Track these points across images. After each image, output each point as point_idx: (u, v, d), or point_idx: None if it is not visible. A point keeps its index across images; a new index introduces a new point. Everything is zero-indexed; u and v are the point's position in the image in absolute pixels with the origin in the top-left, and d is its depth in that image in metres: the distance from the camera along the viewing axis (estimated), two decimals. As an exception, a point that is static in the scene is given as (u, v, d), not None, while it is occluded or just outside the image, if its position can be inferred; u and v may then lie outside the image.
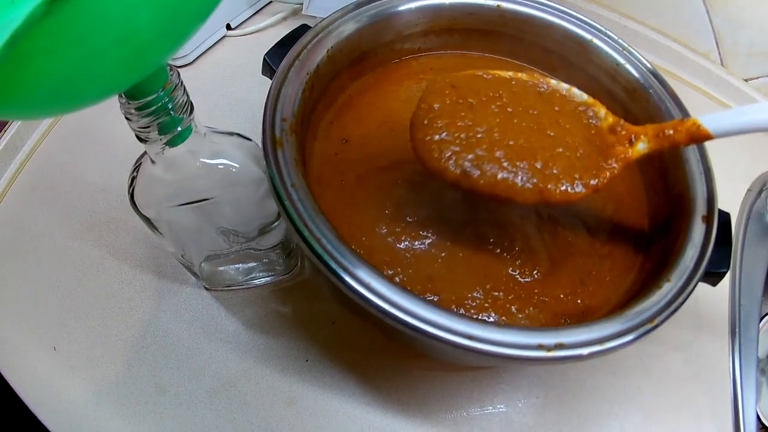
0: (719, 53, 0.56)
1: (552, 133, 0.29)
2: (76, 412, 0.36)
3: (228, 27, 0.58)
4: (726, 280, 0.31)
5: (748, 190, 0.50)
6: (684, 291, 0.28)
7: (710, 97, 0.58)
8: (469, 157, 0.28)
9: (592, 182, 0.28)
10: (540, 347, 0.24)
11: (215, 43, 0.57)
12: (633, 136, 0.29)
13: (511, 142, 0.28)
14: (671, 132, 0.29)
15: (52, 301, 0.40)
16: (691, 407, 0.39)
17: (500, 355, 0.23)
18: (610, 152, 0.29)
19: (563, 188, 0.27)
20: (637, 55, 0.38)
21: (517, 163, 0.28)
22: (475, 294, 0.30)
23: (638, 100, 0.37)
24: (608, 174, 0.28)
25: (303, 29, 0.35)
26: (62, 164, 0.48)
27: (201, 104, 0.52)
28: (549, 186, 0.27)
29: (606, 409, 0.38)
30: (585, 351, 0.24)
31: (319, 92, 0.34)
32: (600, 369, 0.39)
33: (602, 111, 0.30)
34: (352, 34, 0.35)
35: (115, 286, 0.41)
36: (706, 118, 0.28)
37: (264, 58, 0.35)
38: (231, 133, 0.31)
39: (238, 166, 0.30)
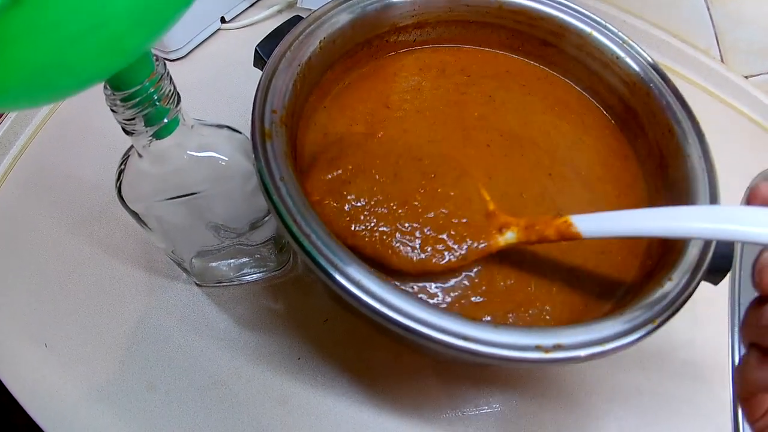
0: (719, 50, 0.56)
1: (444, 211, 0.30)
2: (68, 410, 0.36)
3: (222, 20, 0.57)
4: (726, 278, 0.31)
5: (749, 187, 0.49)
6: (686, 290, 0.27)
7: (710, 94, 0.57)
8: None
9: (454, 256, 0.29)
10: (537, 348, 0.23)
11: (209, 37, 0.56)
12: (503, 225, 0.29)
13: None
14: (541, 227, 0.29)
15: (44, 296, 0.40)
16: (690, 407, 0.38)
17: (495, 356, 0.23)
18: (482, 235, 0.29)
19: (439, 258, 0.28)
20: (637, 48, 0.37)
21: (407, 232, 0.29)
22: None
23: (638, 94, 0.37)
24: (473, 255, 0.29)
25: (296, 20, 0.34)
26: (55, 159, 0.48)
27: (195, 98, 0.52)
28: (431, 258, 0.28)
29: (604, 409, 0.37)
30: (584, 352, 0.24)
31: (311, 84, 0.34)
32: (598, 368, 0.39)
33: (486, 196, 0.31)
34: (345, 24, 0.34)
35: (106, 282, 0.41)
36: (579, 218, 0.28)
37: (255, 49, 0.34)
38: (221, 126, 0.31)
39: (227, 159, 0.29)
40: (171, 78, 0.25)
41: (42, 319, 0.39)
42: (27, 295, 0.40)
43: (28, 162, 0.48)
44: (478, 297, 0.30)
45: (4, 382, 0.37)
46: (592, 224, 0.27)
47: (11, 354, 0.38)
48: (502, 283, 0.30)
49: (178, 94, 0.26)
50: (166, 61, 0.54)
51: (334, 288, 0.24)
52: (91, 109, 0.49)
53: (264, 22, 0.58)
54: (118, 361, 0.37)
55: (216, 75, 0.53)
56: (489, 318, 0.29)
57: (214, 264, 0.38)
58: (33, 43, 0.15)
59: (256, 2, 0.60)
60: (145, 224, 0.32)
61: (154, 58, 0.24)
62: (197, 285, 0.40)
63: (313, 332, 0.39)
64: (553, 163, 0.36)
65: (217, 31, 0.57)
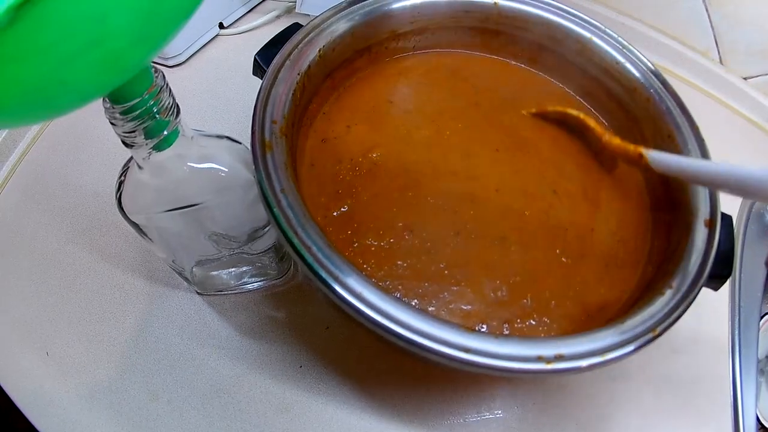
0: (718, 51, 0.55)
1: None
2: (70, 419, 0.35)
3: (221, 26, 0.57)
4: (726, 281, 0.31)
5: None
6: (687, 298, 0.27)
7: (709, 96, 0.57)
8: None
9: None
10: (539, 359, 0.23)
11: (208, 42, 0.56)
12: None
13: None
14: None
15: (45, 305, 0.40)
16: (691, 410, 0.38)
17: (497, 368, 0.23)
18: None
19: None
20: (638, 54, 0.37)
21: None
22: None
23: (639, 100, 0.37)
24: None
25: (295, 28, 0.34)
26: (55, 167, 0.47)
27: (193, 105, 0.51)
28: None
29: (605, 414, 0.37)
30: (585, 363, 0.23)
31: (311, 93, 0.34)
32: (599, 374, 0.39)
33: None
34: (344, 32, 0.34)
35: (107, 291, 0.41)
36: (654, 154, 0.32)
37: (254, 57, 0.34)
38: (220, 136, 0.31)
39: (227, 170, 0.29)
40: (170, 90, 0.25)
41: (43, 328, 0.39)
42: (28, 304, 0.40)
43: (27, 169, 0.47)
44: (467, 305, 0.30)
45: (6, 389, 0.37)
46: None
47: (13, 362, 0.38)
48: (492, 294, 0.30)
49: (178, 105, 0.26)
50: (166, 68, 0.54)
51: (335, 300, 0.24)
52: (90, 115, 0.48)
53: (262, 28, 0.58)
54: (120, 369, 0.37)
55: (215, 81, 0.53)
56: (484, 327, 0.29)
57: (214, 273, 0.38)
58: (30, 61, 0.15)
59: (254, 8, 0.60)
60: (146, 235, 0.32)
61: (153, 70, 0.24)
62: (198, 294, 0.40)
63: (315, 340, 0.38)
64: (559, 177, 0.36)
65: (215, 36, 0.57)
